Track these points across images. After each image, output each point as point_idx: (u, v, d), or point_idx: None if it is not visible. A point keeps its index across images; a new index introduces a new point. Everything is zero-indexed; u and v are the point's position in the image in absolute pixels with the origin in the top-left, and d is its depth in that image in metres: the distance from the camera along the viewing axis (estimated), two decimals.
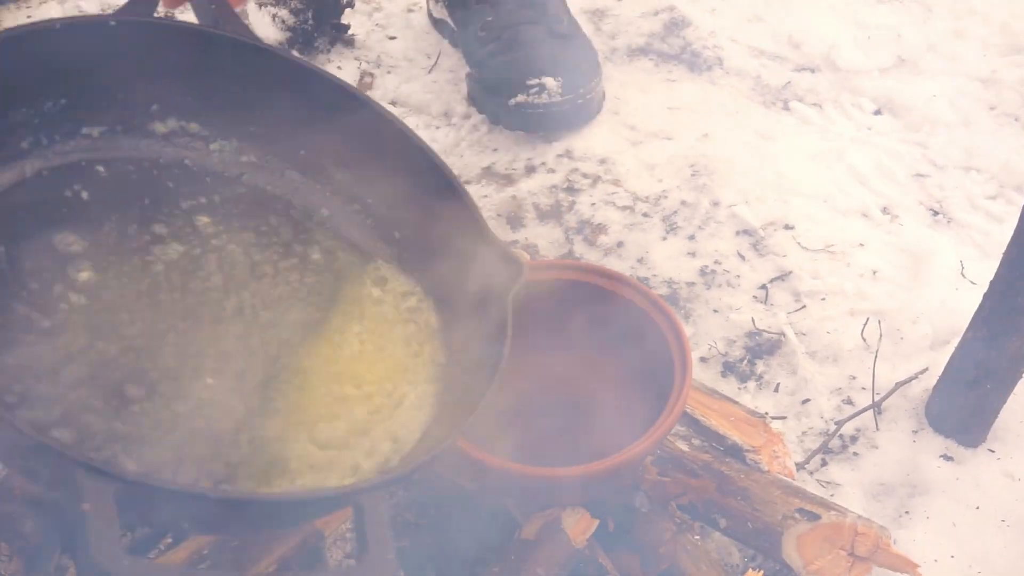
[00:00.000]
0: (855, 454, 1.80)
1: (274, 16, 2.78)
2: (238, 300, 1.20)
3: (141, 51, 1.26)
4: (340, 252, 1.35)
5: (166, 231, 1.24)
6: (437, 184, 1.36)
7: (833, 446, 1.81)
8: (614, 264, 2.13)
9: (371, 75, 2.78)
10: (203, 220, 1.28)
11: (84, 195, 1.22)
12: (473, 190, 2.31)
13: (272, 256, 1.29)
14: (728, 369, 1.94)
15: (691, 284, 2.10)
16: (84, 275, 1.14)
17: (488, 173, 2.39)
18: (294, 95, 1.37)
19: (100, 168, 1.26)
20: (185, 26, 1.42)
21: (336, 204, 1.40)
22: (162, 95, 1.33)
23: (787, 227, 2.21)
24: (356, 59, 2.83)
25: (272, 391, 1.13)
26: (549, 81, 2.36)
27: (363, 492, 0.97)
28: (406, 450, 1.14)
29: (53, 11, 3.08)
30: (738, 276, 2.12)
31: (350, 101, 1.38)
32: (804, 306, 2.04)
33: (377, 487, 1.00)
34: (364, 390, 1.20)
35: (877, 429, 1.83)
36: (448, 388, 1.26)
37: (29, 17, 3.07)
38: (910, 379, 1.88)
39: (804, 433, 1.84)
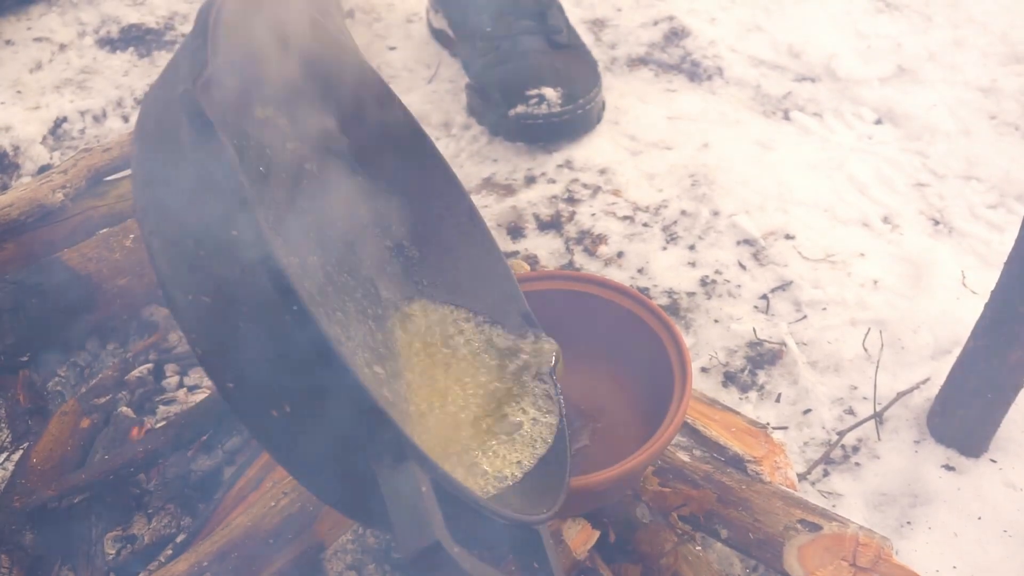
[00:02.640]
0: (857, 464, 1.80)
1: None
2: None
3: None
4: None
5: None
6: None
7: (835, 456, 1.80)
8: (614, 274, 2.13)
9: None
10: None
11: None
12: (473, 201, 2.31)
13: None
14: (729, 379, 1.94)
15: (691, 294, 2.10)
16: None
17: (488, 184, 2.39)
18: None
19: None
20: None
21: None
22: None
23: (788, 237, 2.21)
24: None
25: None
26: (549, 91, 2.36)
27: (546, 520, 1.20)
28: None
29: (53, 23, 3.09)
30: (739, 286, 2.11)
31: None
32: (805, 316, 2.04)
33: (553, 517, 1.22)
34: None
35: (879, 439, 1.83)
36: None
37: (29, 29, 3.08)
38: (911, 389, 1.88)
39: (806, 443, 1.83)
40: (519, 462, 1.34)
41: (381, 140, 1.53)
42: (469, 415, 1.41)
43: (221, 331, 1.01)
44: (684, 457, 1.60)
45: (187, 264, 1.01)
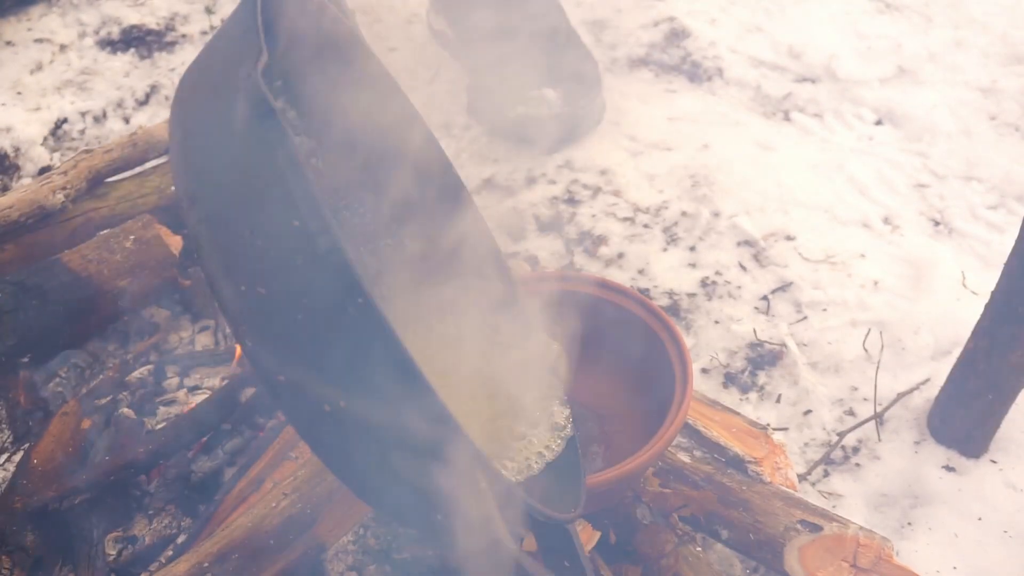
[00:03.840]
0: (857, 465, 1.80)
1: None
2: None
3: None
4: None
5: None
6: None
7: (835, 457, 1.81)
8: (615, 275, 2.13)
9: None
10: None
11: None
12: (475, 201, 2.31)
13: None
14: (730, 380, 1.94)
15: (692, 295, 2.10)
16: None
17: (489, 184, 2.39)
18: None
19: None
20: None
21: None
22: None
23: (788, 238, 2.21)
24: None
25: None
26: (549, 92, 2.37)
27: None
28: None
29: (54, 24, 3.09)
30: (739, 287, 2.11)
31: None
32: (805, 317, 2.04)
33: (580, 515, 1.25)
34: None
35: (879, 440, 1.83)
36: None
37: (30, 30, 3.08)
38: (912, 390, 1.88)
39: (806, 444, 1.83)
40: (542, 452, 1.35)
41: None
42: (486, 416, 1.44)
43: (276, 323, 0.97)
44: (684, 458, 1.60)
45: (241, 254, 0.97)
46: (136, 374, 1.96)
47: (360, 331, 0.91)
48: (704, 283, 2.12)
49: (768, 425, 1.77)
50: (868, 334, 1.99)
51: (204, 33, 3.00)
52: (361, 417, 0.96)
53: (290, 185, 0.91)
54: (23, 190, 2.03)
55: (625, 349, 1.59)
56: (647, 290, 2.10)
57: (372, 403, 0.95)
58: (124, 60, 2.96)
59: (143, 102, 2.80)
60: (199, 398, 1.89)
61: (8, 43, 3.03)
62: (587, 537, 1.44)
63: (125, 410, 1.86)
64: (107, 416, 1.86)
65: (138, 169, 2.28)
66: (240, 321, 0.99)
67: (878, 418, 1.84)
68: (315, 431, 1.02)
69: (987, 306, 1.64)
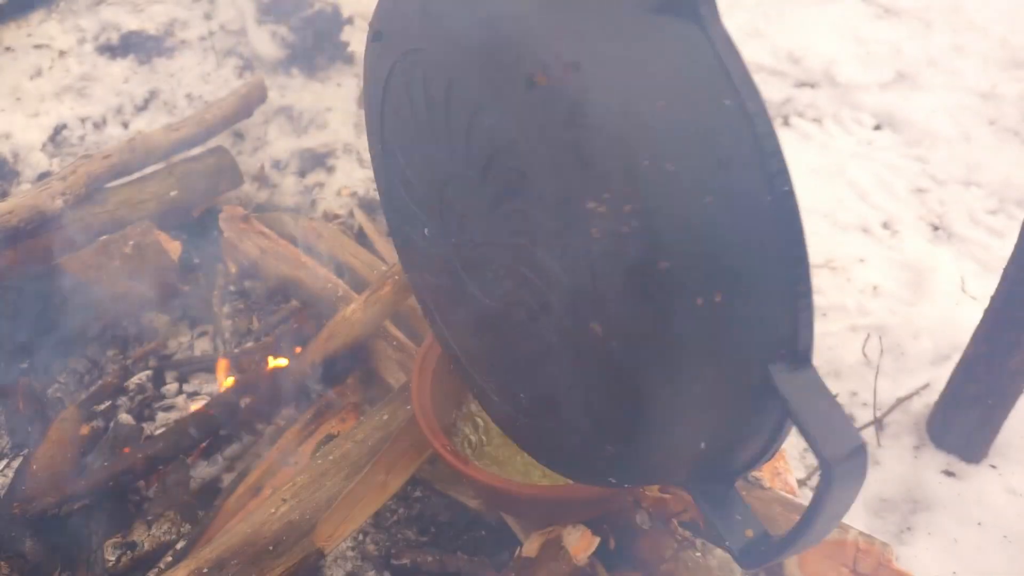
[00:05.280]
0: None
1: (273, 33, 2.78)
2: None
3: None
4: None
5: None
6: None
7: None
8: None
9: None
10: None
11: None
12: None
13: None
14: None
15: None
16: None
17: None
18: None
19: None
20: None
21: None
22: None
23: None
24: (356, 75, 2.83)
25: None
26: None
27: None
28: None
29: (53, 30, 3.09)
30: None
31: None
32: None
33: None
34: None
35: (879, 445, 1.82)
36: None
37: (29, 36, 3.08)
38: (911, 395, 1.87)
39: (805, 449, 1.83)
40: None
41: None
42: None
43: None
44: None
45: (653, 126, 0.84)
46: (135, 380, 1.96)
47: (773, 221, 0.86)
48: None
49: None
50: (868, 339, 1.99)
51: (203, 38, 3.00)
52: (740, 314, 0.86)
53: (727, 64, 0.83)
54: (22, 196, 2.03)
55: None
56: None
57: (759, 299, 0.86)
58: (123, 66, 2.96)
59: (142, 108, 2.80)
60: (199, 403, 1.89)
61: (7, 49, 3.03)
62: (587, 543, 1.43)
63: (124, 416, 1.86)
64: (106, 422, 1.86)
65: (137, 175, 2.28)
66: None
67: (878, 423, 1.84)
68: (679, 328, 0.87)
69: (986, 311, 1.64)
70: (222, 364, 1.92)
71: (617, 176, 0.82)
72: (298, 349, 1.84)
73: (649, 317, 0.84)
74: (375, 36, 1.10)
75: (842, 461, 0.82)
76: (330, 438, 1.73)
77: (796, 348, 0.85)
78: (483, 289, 1.07)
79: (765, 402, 0.88)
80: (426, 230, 1.17)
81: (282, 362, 1.85)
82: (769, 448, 0.96)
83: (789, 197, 0.83)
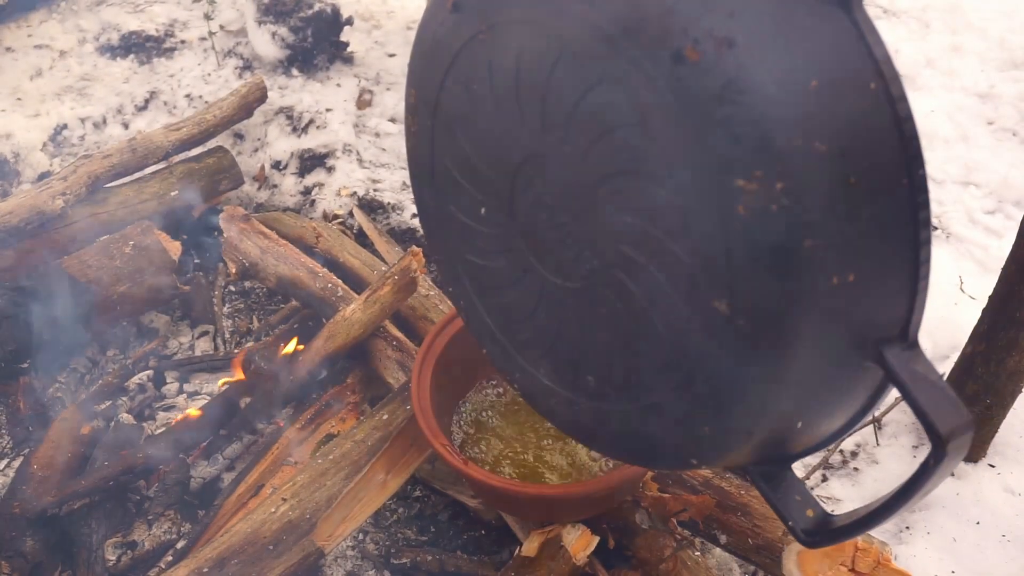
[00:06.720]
0: (855, 469, 1.80)
1: (273, 34, 2.79)
2: None
3: None
4: None
5: None
6: None
7: (834, 462, 1.81)
8: None
9: (370, 92, 2.79)
10: None
11: None
12: None
13: None
14: None
15: None
16: None
17: None
18: None
19: None
20: None
21: None
22: None
23: None
24: (355, 76, 2.84)
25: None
26: None
27: None
28: None
29: (53, 30, 3.10)
30: None
31: None
32: None
33: None
34: None
35: (877, 444, 1.83)
36: None
37: (30, 36, 3.08)
38: None
39: None
40: None
41: None
42: None
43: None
44: None
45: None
46: (135, 380, 1.97)
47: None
48: None
49: None
50: None
51: (203, 39, 3.00)
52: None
53: (872, 48, 0.84)
54: (23, 195, 2.04)
55: None
56: None
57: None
58: (123, 66, 2.97)
59: (142, 108, 2.81)
60: (199, 403, 1.89)
61: (8, 49, 3.03)
62: (586, 542, 1.44)
63: (124, 415, 1.87)
64: (107, 421, 1.86)
65: (137, 175, 2.29)
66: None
67: (877, 423, 1.84)
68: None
69: (985, 311, 1.64)
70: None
71: (770, 154, 0.82)
72: (300, 347, 1.84)
73: (783, 295, 0.85)
74: (454, 7, 1.08)
75: (955, 437, 0.84)
76: (330, 438, 1.73)
77: (908, 329, 0.87)
78: (559, 271, 1.06)
79: (864, 382, 0.90)
80: (483, 210, 1.15)
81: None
82: (846, 431, 0.97)
83: (924, 180, 0.83)
